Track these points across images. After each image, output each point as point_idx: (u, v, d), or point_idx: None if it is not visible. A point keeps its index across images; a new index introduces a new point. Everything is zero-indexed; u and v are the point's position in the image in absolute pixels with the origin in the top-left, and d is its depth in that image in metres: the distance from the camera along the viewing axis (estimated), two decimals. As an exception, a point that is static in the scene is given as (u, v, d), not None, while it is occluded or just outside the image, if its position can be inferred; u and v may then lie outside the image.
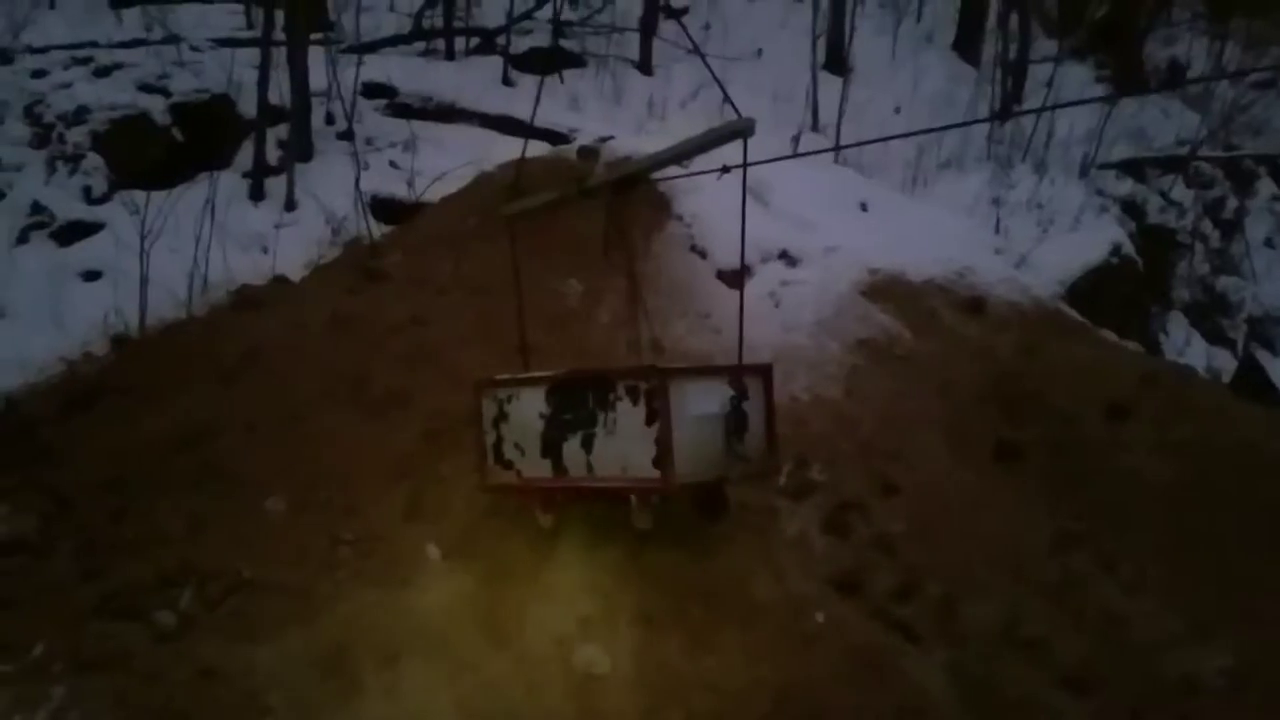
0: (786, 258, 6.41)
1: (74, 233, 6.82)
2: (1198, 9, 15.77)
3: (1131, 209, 9.71)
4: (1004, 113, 10.83)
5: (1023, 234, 7.47)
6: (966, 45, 12.97)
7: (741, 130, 3.87)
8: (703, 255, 6.29)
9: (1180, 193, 10.42)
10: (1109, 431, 5.30)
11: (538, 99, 5.52)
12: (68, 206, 6.94)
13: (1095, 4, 14.08)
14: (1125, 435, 5.27)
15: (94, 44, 8.41)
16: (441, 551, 4.31)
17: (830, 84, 10.60)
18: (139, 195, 6.72)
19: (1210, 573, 4.55)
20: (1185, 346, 9.11)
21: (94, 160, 7.22)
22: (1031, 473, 5.10)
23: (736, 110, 3.92)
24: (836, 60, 11.53)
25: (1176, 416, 5.37)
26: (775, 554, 4.48)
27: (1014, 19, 12.04)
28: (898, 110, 10.66)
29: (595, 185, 4.69)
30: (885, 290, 6.24)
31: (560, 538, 4.29)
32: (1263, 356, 9.03)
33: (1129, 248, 7.85)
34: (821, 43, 11.29)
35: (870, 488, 4.91)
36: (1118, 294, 7.49)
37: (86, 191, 7.10)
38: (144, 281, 6.06)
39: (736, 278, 6.16)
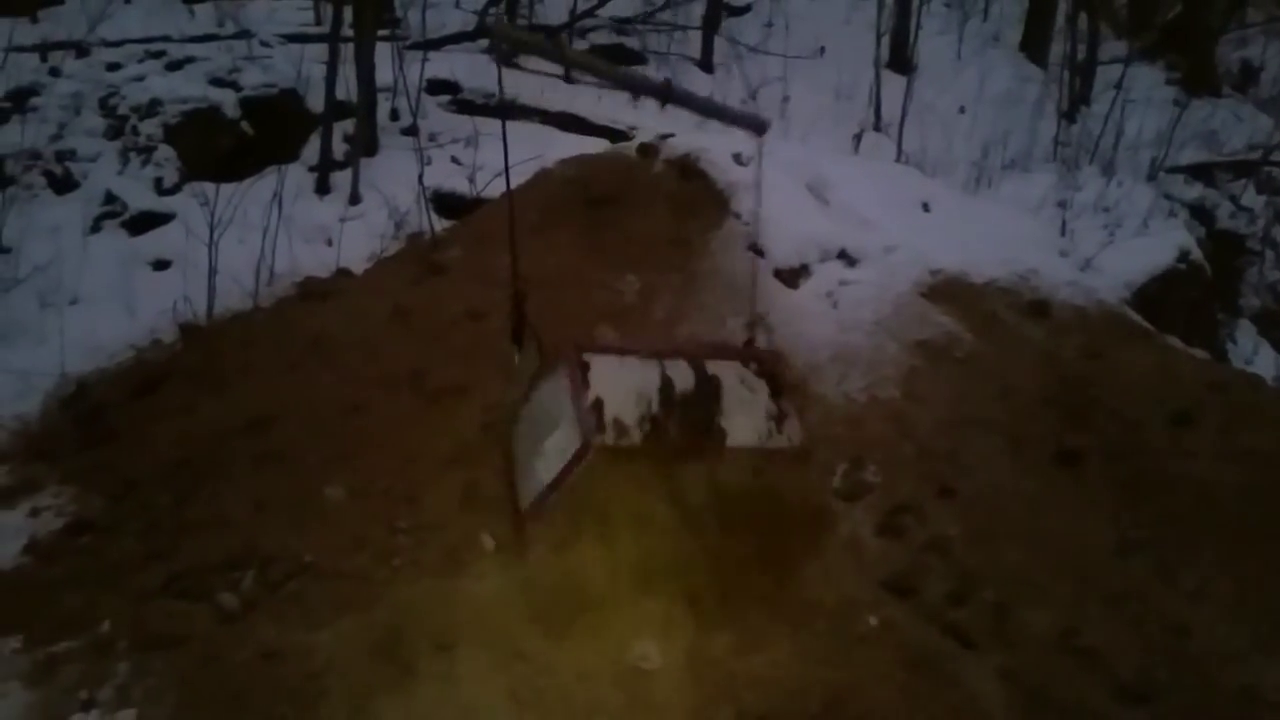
0: (845, 257, 6.36)
1: (145, 222, 7.01)
2: (1272, 11, 15.36)
3: (1200, 214, 9.48)
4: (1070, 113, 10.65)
5: (1089, 237, 7.32)
6: (1034, 45, 12.75)
7: (757, 125, 4.01)
8: (760, 254, 6.27)
9: (1251, 198, 10.15)
10: (1173, 439, 5.19)
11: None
12: (139, 196, 7.13)
13: (1166, 5, 13.78)
14: (1190, 443, 5.16)
15: (167, 38, 8.63)
16: (496, 541, 4.35)
17: (894, 82, 10.49)
18: (209, 187, 6.87)
19: (1274, 584, 4.44)
20: (1254, 355, 8.87)
21: (165, 152, 7.41)
22: (1093, 479, 5.01)
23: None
24: (900, 59, 11.40)
25: (1243, 425, 5.24)
26: (828, 555, 4.46)
27: (1083, 19, 11.82)
28: (962, 110, 10.52)
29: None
30: (946, 291, 6.16)
31: (613, 533, 4.30)
32: (1333, 366, 8.76)
33: (1197, 253, 7.66)
34: (885, 41, 11.18)
35: (926, 490, 4.86)
36: (1185, 300, 7.31)
37: (158, 182, 7.28)
38: (212, 271, 6.20)
39: (794, 277, 6.17)
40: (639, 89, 4.17)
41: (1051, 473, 5.03)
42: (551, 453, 3.75)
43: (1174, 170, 9.64)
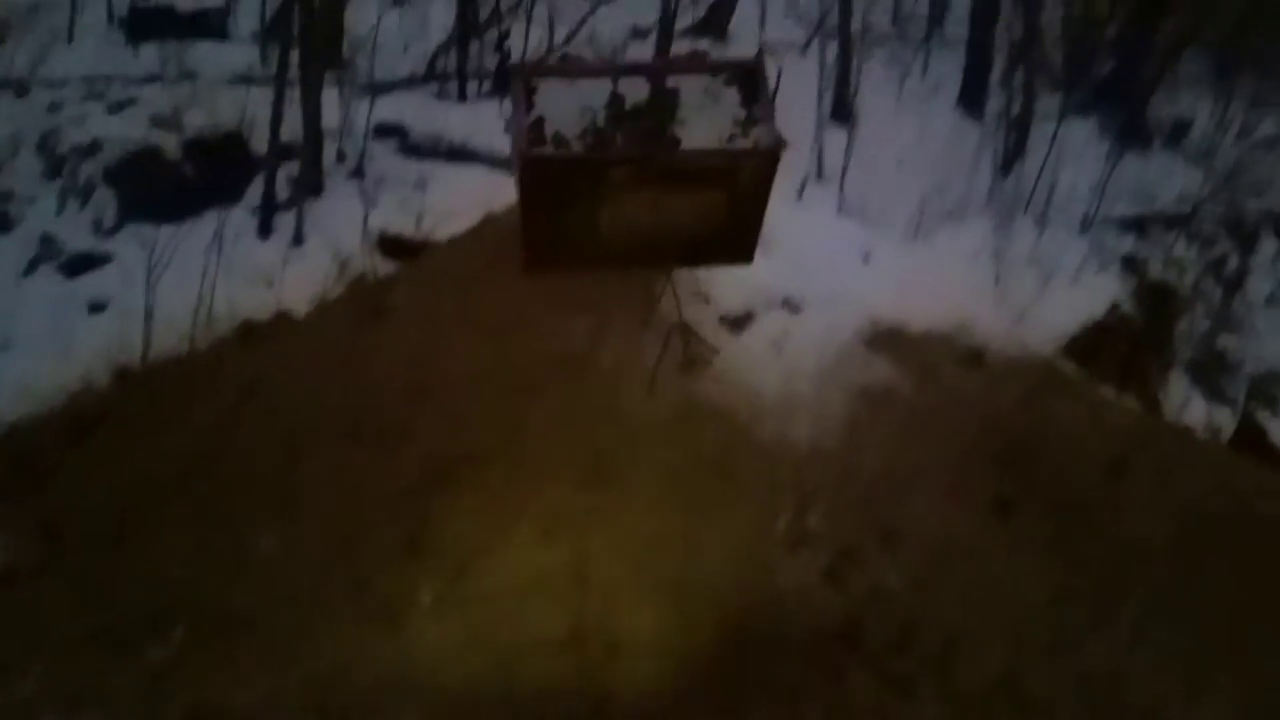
0: (789, 305, 6.45)
1: (82, 264, 6.87)
2: (1203, 67, 15.94)
3: (1132, 265, 9.70)
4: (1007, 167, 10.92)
5: (1023, 288, 7.48)
6: (971, 99, 13.06)
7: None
8: (706, 301, 6.33)
9: (1182, 250, 10.43)
10: (1107, 488, 5.29)
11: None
12: (77, 238, 7.00)
13: (1100, 61, 14.23)
14: (1123, 494, 5.26)
15: (110, 79, 8.54)
16: (433, 594, 4.29)
17: (836, 134, 10.69)
18: (148, 229, 6.77)
19: (1208, 631, 4.52)
20: (1186, 404, 9.07)
21: (105, 193, 7.30)
22: (1030, 527, 5.09)
23: None
24: (843, 111, 11.63)
25: (1174, 476, 5.36)
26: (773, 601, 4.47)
27: (1019, 74, 12.16)
28: (901, 162, 10.73)
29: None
30: (886, 340, 6.26)
31: (549, 581, 4.28)
32: (1263, 416, 9.00)
33: (1128, 305, 7.86)
34: (829, 94, 11.40)
35: (869, 538, 4.90)
36: (1117, 351, 7.47)
37: (96, 224, 7.16)
38: (149, 314, 6.09)
39: (740, 324, 6.24)
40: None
41: (989, 521, 5.10)
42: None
43: (1107, 222, 9.88)
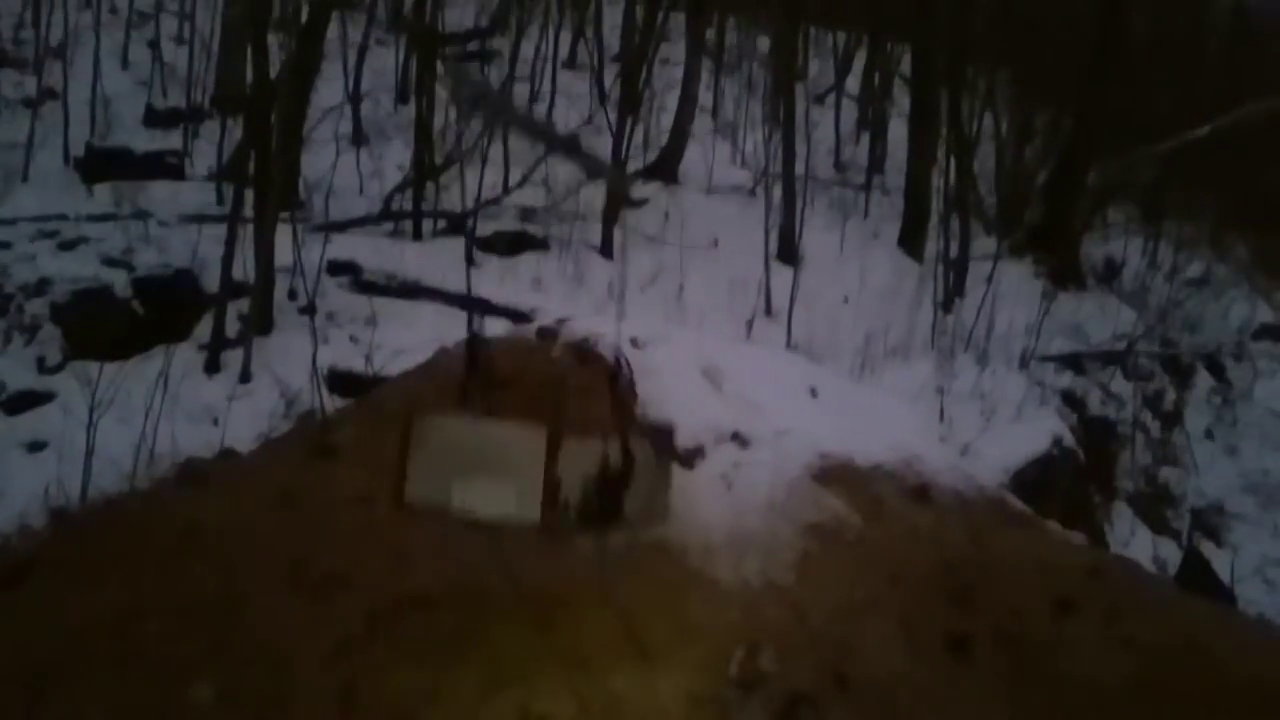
0: (739, 439, 6.47)
1: (23, 403, 6.81)
2: (1131, 212, 16.77)
3: (1072, 401, 10.00)
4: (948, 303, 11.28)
5: (966, 423, 7.66)
6: (910, 241, 13.61)
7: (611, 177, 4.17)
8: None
9: (1120, 385, 10.78)
10: (1056, 626, 5.26)
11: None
12: (19, 376, 6.94)
13: (1033, 206, 14.92)
14: (1074, 630, 5.23)
15: (63, 217, 8.60)
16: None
17: (783, 274, 11.02)
18: (93, 367, 6.74)
19: (1164, 773, 4.46)
20: (1131, 537, 9.21)
21: (50, 331, 7.28)
22: (982, 666, 5.02)
23: None
24: (789, 251, 12.02)
25: (1123, 612, 5.36)
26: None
27: (955, 218, 12.71)
28: (846, 300, 11.06)
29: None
30: (835, 475, 6.28)
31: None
32: (1207, 547, 9.15)
33: (1070, 439, 8.05)
34: (774, 235, 11.80)
35: (822, 679, 4.81)
36: (1061, 484, 7.62)
37: (40, 361, 7.12)
38: (89, 453, 6.00)
39: (690, 458, 6.24)
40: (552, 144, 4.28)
41: (943, 659, 5.03)
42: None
43: (1045, 359, 10.22)
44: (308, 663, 4.49)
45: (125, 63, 15.59)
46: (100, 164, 10.66)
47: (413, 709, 4.26)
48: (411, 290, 9.36)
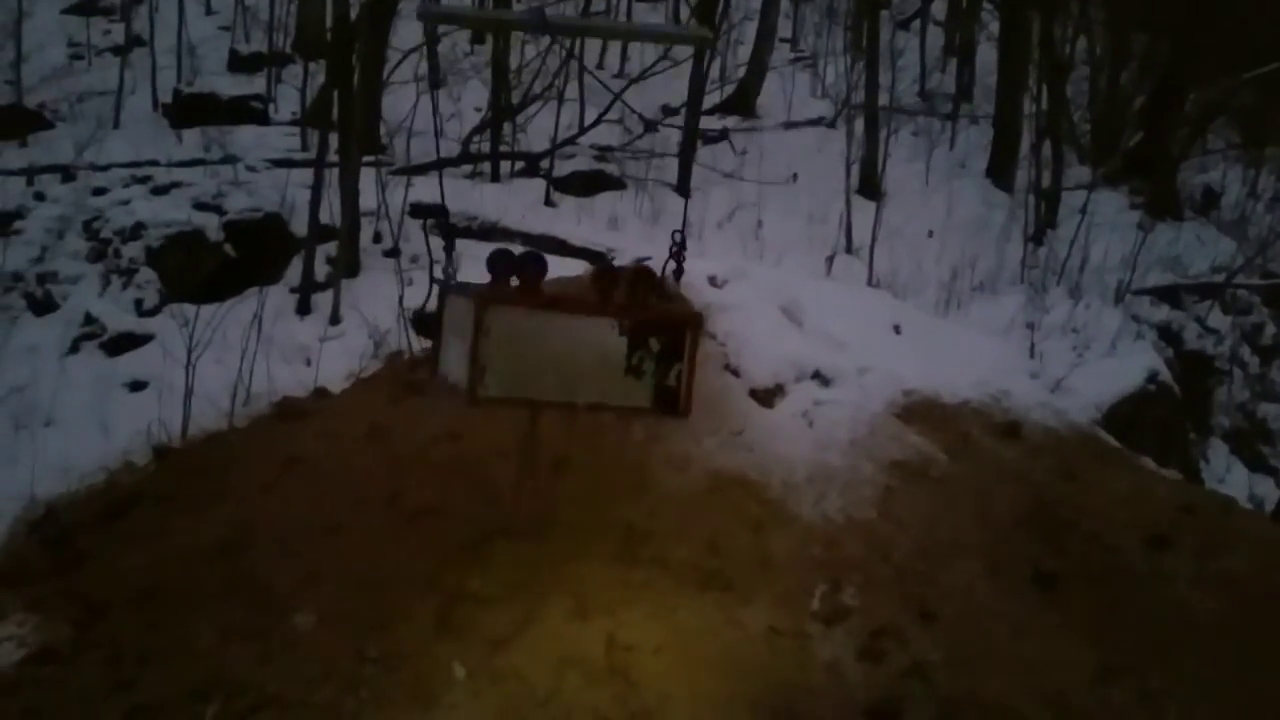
0: (820, 377, 6.43)
1: (123, 344, 7.04)
2: (1231, 138, 16.01)
3: (1168, 335, 9.68)
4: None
5: (1058, 358, 7.46)
6: (1000, 172, 13.20)
7: (700, 39, 4.05)
8: (736, 374, 6.33)
9: (1217, 319, 10.38)
10: (1149, 561, 5.18)
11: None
12: (119, 318, 7.17)
13: (1128, 132, 14.34)
14: (1167, 566, 5.15)
15: (154, 162, 8.82)
16: (468, 670, 4.25)
17: (864, 208, 10.80)
18: (189, 308, 6.93)
19: (1258, 710, 4.38)
20: (1226, 474, 8.94)
21: (147, 274, 7.50)
22: (1071, 602, 4.97)
23: None
24: (870, 186, 11.77)
25: (1218, 548, 5.24)
26: (809, 679, 4.38)
27: (1047, 146, 12.28)
28: (931, 234, 10.81)
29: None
30: (920, 412, 6.21)
31: (583, 657, 4.23)
32: (1305, 485, 8.85)
33: (1166, 374, 7.80)
34: (855, 169, 11.55)
35: (906, 614, 4.81)
36: (1155, 420, 7.40)
37: (138, 304, 7.35)
38: (188, 392, 6.20)
39: (770, 396, 6.22)
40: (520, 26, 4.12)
41: (1030, 596, 4.99)
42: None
43: (1140, 293, 9.88)
44: (404, 590, 4.64)
45: (209, 8, 15.86)
46: (188, 109, 10.91)
47: (506, 636, 4.38)
48: (491, 232, 9.41)
